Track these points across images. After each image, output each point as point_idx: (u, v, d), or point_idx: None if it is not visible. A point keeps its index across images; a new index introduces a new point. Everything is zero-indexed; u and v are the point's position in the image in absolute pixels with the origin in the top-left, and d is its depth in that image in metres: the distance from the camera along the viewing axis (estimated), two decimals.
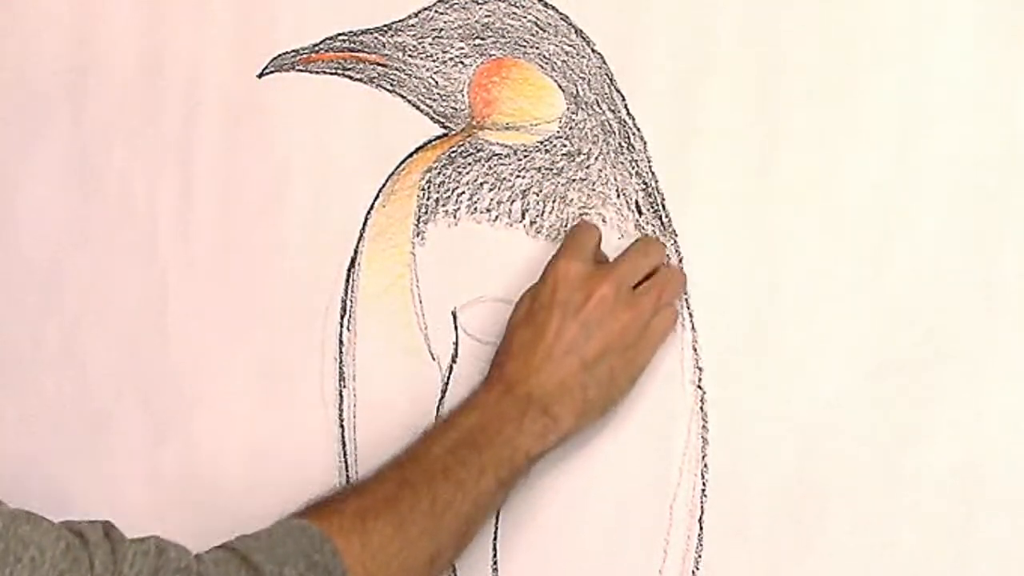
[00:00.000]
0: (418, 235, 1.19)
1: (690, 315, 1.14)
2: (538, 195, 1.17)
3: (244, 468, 1.22)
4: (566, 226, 1.16)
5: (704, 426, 1.13)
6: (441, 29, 1.19)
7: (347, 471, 1.20)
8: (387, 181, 1.20)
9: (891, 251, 1.09)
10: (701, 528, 1.12)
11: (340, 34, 1.21)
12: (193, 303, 1.24)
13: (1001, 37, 1.07)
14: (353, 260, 1.20)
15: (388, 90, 1.20)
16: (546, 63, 1.17)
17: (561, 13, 1.17)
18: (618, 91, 1.16)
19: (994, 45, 1.07)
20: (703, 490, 1.13)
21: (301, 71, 1.22)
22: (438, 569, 1.07)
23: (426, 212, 1.19)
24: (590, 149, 1.16)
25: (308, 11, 1.22)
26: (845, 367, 1.10)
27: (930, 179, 1.08)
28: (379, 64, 1.21)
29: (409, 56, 1.20)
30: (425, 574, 1.06)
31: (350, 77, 1.21)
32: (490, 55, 1.18)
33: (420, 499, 1.05)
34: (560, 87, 1.17)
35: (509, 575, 1.16)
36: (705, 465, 1.13)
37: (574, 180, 1.16)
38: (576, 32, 1.17)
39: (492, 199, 1.17)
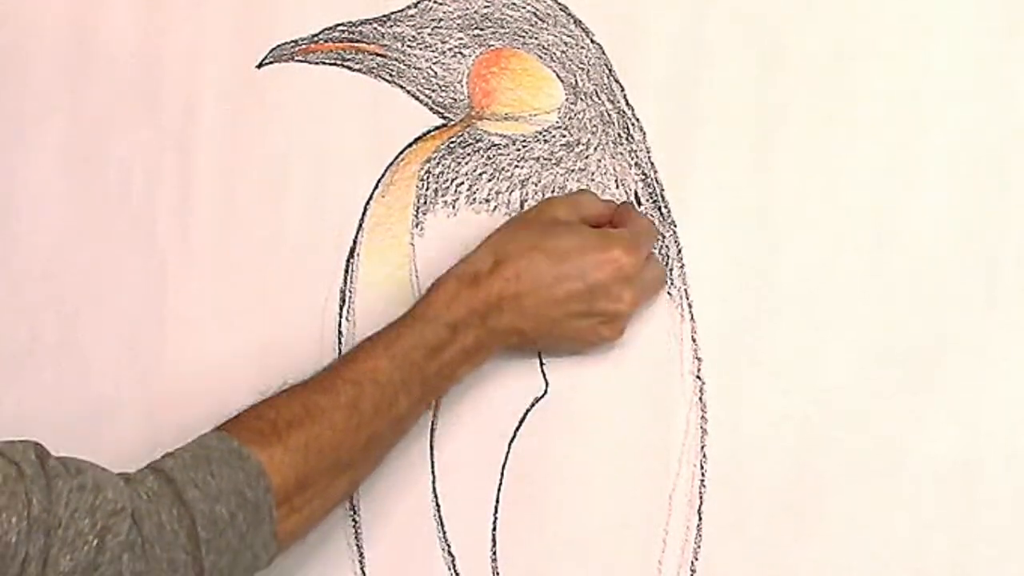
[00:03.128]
0: (417, 225, 1.19)
1: (689, 305, 1.14)
2: (537, 185, 1.17)
3: None
4: None
5: (703, 416, 1.13)
6: (440, 19, 1.19)
7: None
8: (386, 171, 1.20)
9: (890, 242, 1.09)
10: (700, 519, 1.13)
11: (339, 24, 1.21)
12: (192, 294, 1.23)
13: (1000, 27, 1.08)
14: (352, 250, 1.20)
15: (387, 80, 1.20)
16: (545, 53, 1.17)
17: (560, 3, 1.17)
18: (617, 81, 1.16)
19: (993, 35, 1.08)
20: (702, 480, 1.13)
21: (300, 62, 1.22)
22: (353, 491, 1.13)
23: (425, 202, 1.19)
24: (589, 139, 1.16)
25: (307, 2, 1.22)
26: (845, 357, 1.10)
27: (930, 169, 1.09)
28: (378, 54, 1.21)
29: (408, 46, 1.20)
30: (342, 500, 1.11)
31: (349, 67, 1.21)
32: (489, 45, 1.18)
33: (360, 436, 1.07)
34: (559, 77, 1.17)
35: (508, 565, 1.16)
36: (704, 456, 1.13)
37: (573, 170, 1.16)
38: (575, 22, 1.17)
39: (491, 189, 1.17)
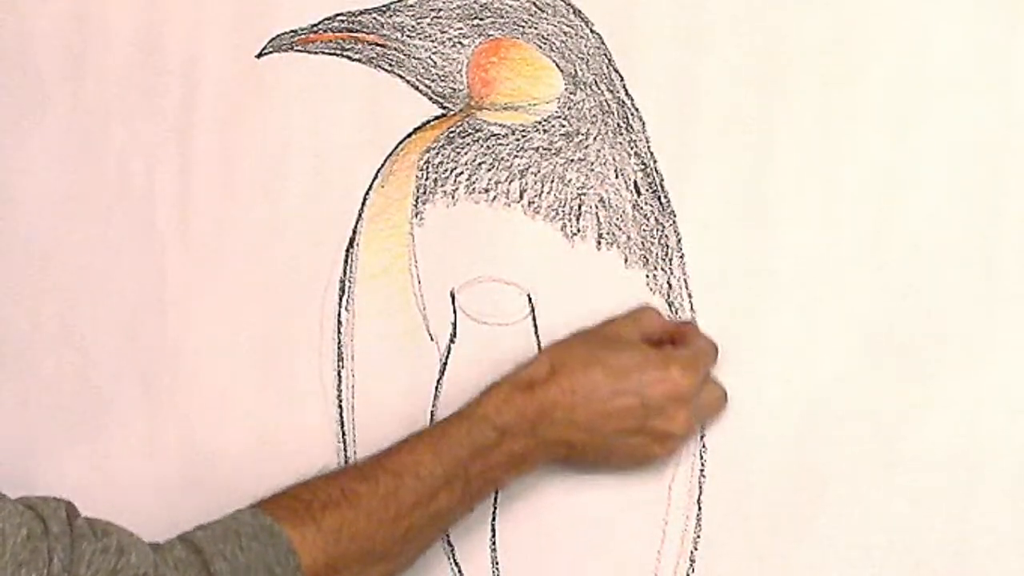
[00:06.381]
0: (416, 215, 1.19)
1: (689, 296, 1.14)
2: (536, 175, 1.17)
3: (242, 448, 1.22)
4: (564, 206, 1.16)
5: None
6: (440, 9, 1.19)
7: (345, 450, 1.20)
8: (385, 161, 1.20)
9: (890, 232, 1.09)
10: (700, 509, 1.13)
11: (339, 14, 1.21)
12: (192, 283, 1.24)
13: (1000, 19, 1.07)
14: (352, 241, 1.20)
15: (387, 70, 1.20)
16: (544, 43, 1.17)
17: None
18: (616, 71, 1.16)
19: (994, 29, 1.07)
20: (702, 470, 1.13)
21: (299, 51, 1.22)
22: None
23: (424, 192, 1.19)
24: (588, 129, 1.16)
25: None
26: (844, 348, 1.10)
27: (929, 161, 1.09)
28: (378, 44, 1.20)
29: (408, 36, 1.20)
30: None
31: (349, 57, 1.21)
32: (488, 35, 1.18)
33: (397, 528, 1.06)
34: (558, 67, 1.17)
35: (507, 555, 1.16)
36: (704, 446, 1.13)
37: (572, 160, 1.16)
38: (574, 12, 1.17)
39: (490, 179, 1.17)
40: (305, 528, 1.02)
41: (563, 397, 1.08)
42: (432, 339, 1.19)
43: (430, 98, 1.20)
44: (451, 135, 1.19)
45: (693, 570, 1.12)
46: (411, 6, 1.20)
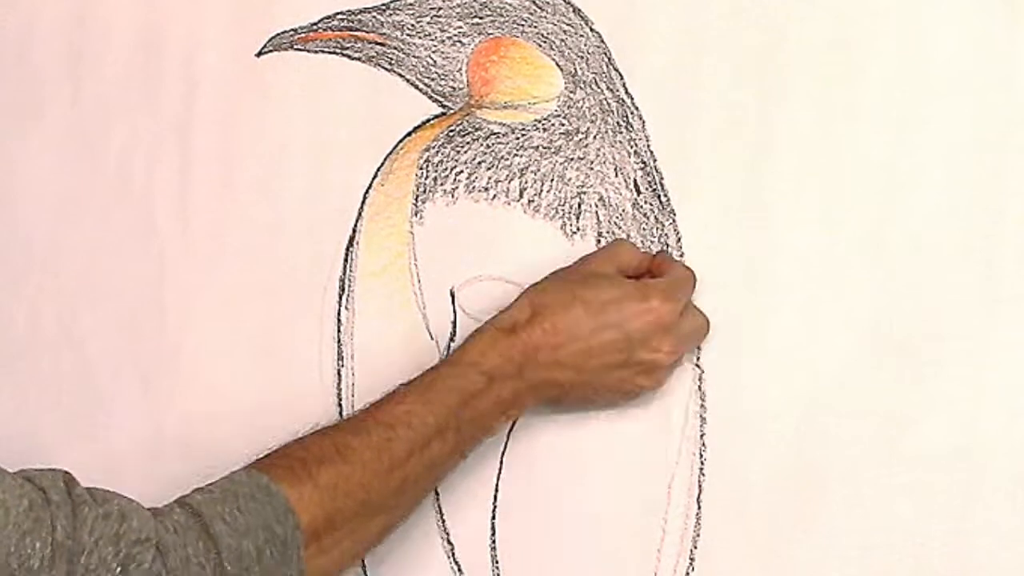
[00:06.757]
0: (416, 214, 1.19)
1: None
2: (536, 174, 1.17)
3: (242, 446, 1.20)
4: (564, 204, 1.16)
5: (702, 405, 1.13)
6: (439, 8, 1.19)
7: None
8: (385, 160, 1.20)
9: (890, 230, 1.09)
10: (699, 507, 1.12)
11: (338, 13, 1.21)
12: (191, 282, 1.24)
13: (1000, 19, 1.07)
14: (351, 239, 1.20)
15: (386, 69, 1.20)
16: (544, 42, 1.17)
17: None
18: (616, 70, 1.16)
19: (993, 27, 1.07)
20: (701, 469, 1.13)
21: (299, 50, 1.22)
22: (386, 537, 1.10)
23: (424, 191, 1.19)
24: (588, 128, 1.16)
25: None
26: (844, 346, 1.10)
27: (929, 159, 1.08)
28: (377, 43, 1.20)
29: (407, 35, 1.20)
30: (374, 544, 1.09)
31: (348, 56, 1.21)
32: (488, 34, 1.18)
33: (392, 478, 1.06)
34: (558, 66, 1.17)
35: (507, 553, 1.16)
36: (704, 444, 1.13)
37: (572, 159, 1.16)
38: (574, 11, 1.16)
39: (490, 178, 1.17)
40: (302, 486, 1.02)
41: (546, 338, 1.09)
42: (432, 337, 1.19)
43: (430, 96, 1.20)
44: (451, 134, 1.19)
45: (693, 569, 1.12)
46: (411, 5, 1.20)
